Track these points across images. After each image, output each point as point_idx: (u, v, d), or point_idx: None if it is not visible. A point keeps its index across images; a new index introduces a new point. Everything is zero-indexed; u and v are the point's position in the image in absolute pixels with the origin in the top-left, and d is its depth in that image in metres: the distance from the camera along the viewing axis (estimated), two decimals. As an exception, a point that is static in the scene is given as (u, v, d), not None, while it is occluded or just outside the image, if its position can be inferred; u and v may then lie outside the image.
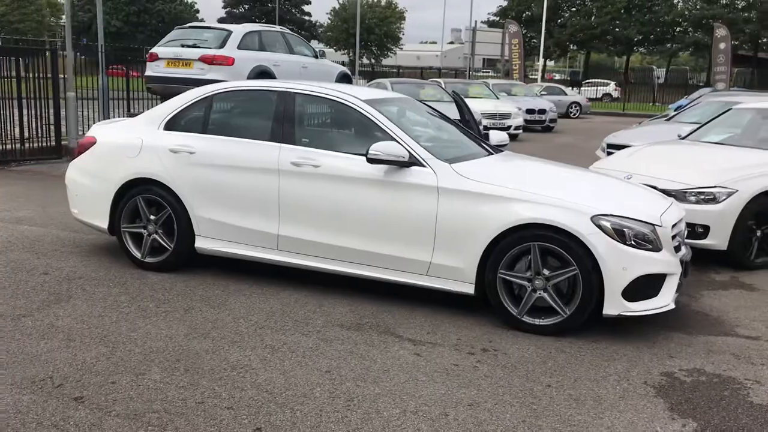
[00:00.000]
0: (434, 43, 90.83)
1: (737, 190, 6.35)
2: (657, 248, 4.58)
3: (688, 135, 8.29)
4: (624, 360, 4.30)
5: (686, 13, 53.92)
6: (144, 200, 5.63)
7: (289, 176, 5.16)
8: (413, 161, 4.89)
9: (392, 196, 4.91)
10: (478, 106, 15.58)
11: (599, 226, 4.47)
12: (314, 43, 37.74)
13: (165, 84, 11.78)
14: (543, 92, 24.48)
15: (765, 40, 53.66)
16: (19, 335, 4.27)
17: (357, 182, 5.01)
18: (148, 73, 11.97)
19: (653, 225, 4.61)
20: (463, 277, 4.79)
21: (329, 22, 69.59)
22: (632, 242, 4.50)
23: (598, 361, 4.26)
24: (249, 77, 11.65)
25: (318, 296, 5.20)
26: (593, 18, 56.58)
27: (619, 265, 4.45)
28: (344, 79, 14.66)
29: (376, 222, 4.95)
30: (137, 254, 5.70)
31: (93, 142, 5.88)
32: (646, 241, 4.54)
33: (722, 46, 25.86)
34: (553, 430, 3.41)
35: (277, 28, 13.53)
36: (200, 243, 5.50)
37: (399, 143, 4.92)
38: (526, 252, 4.62)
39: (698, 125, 8.74)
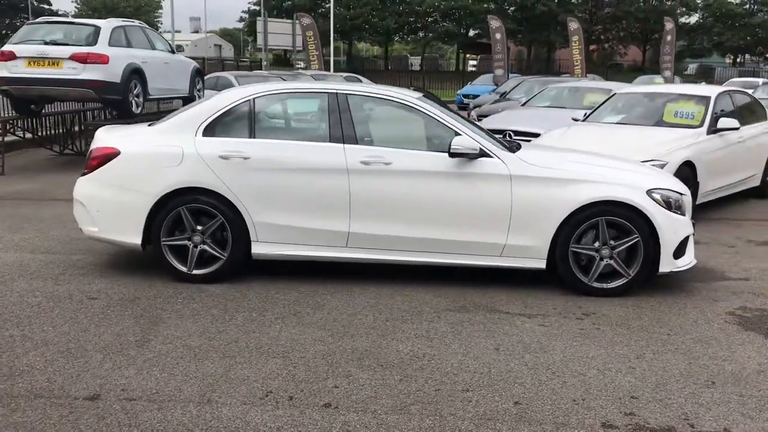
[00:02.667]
0: (179, 32, 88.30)
1: (667, 162, 7.59)
2: (684, 213, 5.52)
3: (586, 118, 9.52)
4: (690, 308, 5.18)
5: (436, 4, 58.08)
6: (189, 211, 5.42)
7: (360, 175, 5.33)
8: (483, 153, 5.34)
9: (467, 186, 5.33)
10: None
11: (653, 199, 5.30)
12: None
13: (27, 86, 10.69)
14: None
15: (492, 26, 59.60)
16: (186, 358, 4.07)
17: (430, 176, 5.34)
18: (2, 74, 10.72)
19: (681, 194, 5.55)
20: (536, 254, 5.37)
21: (76, 10, 64.52)
22: (675, 210, 5.39)
23: (674, 312, 5.09)
24: (123, 76, 10.99)
25: (394, 289, 5.44)
26: (351, 9, 58.74)
27: (672, 230, 5.32)
28: (198, 74, 14.25)
29: (451, 211, 5.34)
30: (182, 268, 5.48)
31: (115, 153, 5.49)
32: (680, 208, 5.47)
33: (498, 36, 28.69)
34: (694, 359, 4.15)
35: (137, 22, 12.77)
36: (258, 249, 5.45)
37: (470, 137, 5.34)
38: (592, 226, 5.31)
39: (589, 110, 10.01)
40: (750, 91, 12.17)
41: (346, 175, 5.33)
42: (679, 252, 5.42)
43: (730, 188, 8.86)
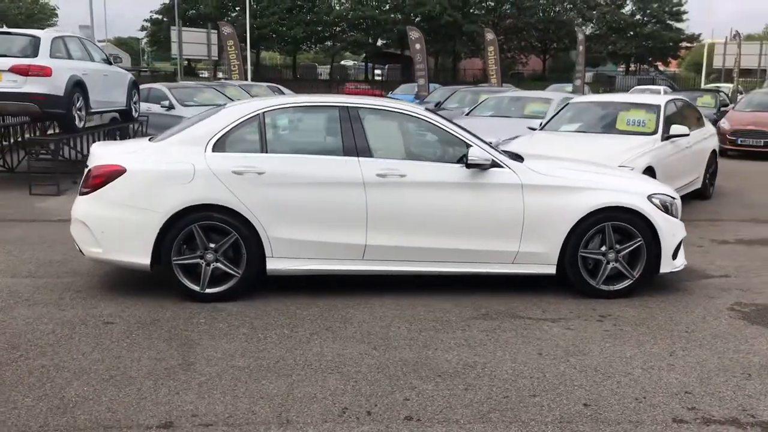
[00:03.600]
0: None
1: (633, 168, 7.99)
2: (677, 216, 5.86)
3: (544, 126, 9.87)
4: (693, 306, 5.49)
5: (344, 14, 58.44)
6: (201, 228, 5.30)
7: (376, 187, 5.37)
8: (494, 164, 5.49)
9: (480, 196, 5.46)
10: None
11: (653, 203, 5.60)
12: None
13: (-37, 100, 10.07)
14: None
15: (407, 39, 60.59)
16: (241, 380, 3.98)
17: (445, 187, 5.44)
18: (-66, 88, 10.04)
19: (674, 198, 5.88)
20: (546, 260, 5.56)
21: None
22: (672, 213, 5.72)
23: (680, 310, 5.39)
24: (66, 89, 10.54)
25: (411, 299, 5.50)
26: (257, 18, 58.20)
27: (671, 233, 5.64)
28: (135, 86, 13.80)
29: (466, 221, 5.46)
30: (194, 287, 5.34)
31: (121, 171, 5.30)
32: (675, 212, 5.80)
33: (418, 46, 29.14)
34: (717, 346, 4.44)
35: (75, 32, 12.24)
36: (273, 265, 5.39)
37: (482, 149, 5.48)
38: (599, 231, 5.56)
39: (548, 118, 10.37)
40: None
41: (362, 188, 5.35)
42: (675, 253, 5.74)
43: (681, 191, 9.38)
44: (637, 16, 61.81)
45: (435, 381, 4.02)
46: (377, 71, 67.41)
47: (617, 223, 5.55)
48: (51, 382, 3.95)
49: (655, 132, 8.96)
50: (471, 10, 58.51)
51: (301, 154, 5.50)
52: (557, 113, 10.14)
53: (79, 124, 11.11)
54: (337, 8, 59.16)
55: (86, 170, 5.55)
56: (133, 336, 4.67)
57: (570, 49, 64.09)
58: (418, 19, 58.57)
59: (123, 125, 13.39)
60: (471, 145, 5.49)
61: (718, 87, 31.41)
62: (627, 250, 5.59)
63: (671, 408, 3.73)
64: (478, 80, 53.52)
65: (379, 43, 62.16)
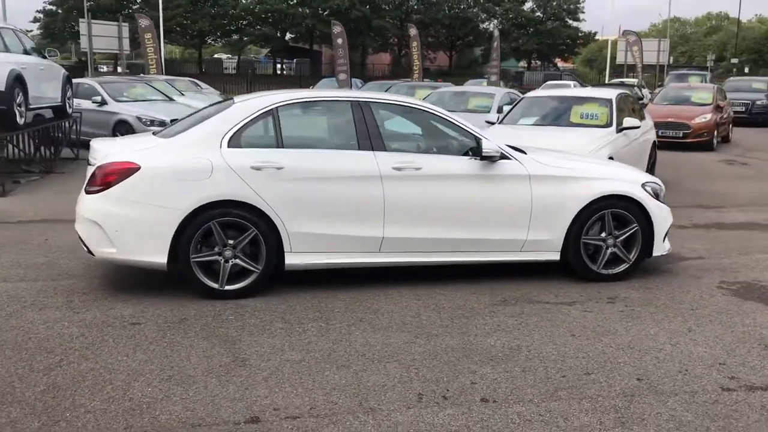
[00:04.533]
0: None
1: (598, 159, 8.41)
2: (665, 203, 6.26)
3: (502, 120, 10.20)
4: (686, 286, 5.89)
5: (251, 7, 57.51)
6: (219, 225, 5.25)
7: (393, 180, 5.47)
8: (503, 155, 5.70)
9: (491, 187, 5.66)
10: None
11: (647, 191, 5.97)
12: None
13: None
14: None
15: (317, 33, 60.33)
16: (303, 372, 4.01)
17: (458, 179, 5.61)
18: None
19: (661, 186, 6.28)
20: (551, 247, 5.83)
21: None
22: (662, 200, 6.11)
23: (675, 290, 5.77)
24: (7, 84, 10.04)
25: (426, 289, 5.63)
26: (162, 11, 56.46)
27: (662, 218, 6.02)
28: (69, 81, 13.24)
29: (478, 211, 5.65)
30: (213, 285, 5.29)
31: (135, 168, 5.17)
32: (663, 198, 6.19)
33: (339, 41, 29.11)
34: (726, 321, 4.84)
35: (8, 24, 11.61)
36: (292, 259, 5.40)
37: (493, 142, 5.68)
38: (598, 219, 5.87)
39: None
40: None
41: (379, 181, 5.44)
42: (665, 238, 6.13)
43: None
44: (538, 14, 63.91)
45: (490, 365, 4.18)
46: (278, 64, 66.68)
47: (616, 211, 5.88)
48: (110, 384, 3.85)
49: (610, 124, 9.42)
50: (380, 5, 58.77)
51: (317, 149, 5.53)
52: (513, 107, 10.49)
53: (20, 121, 10.59)
54: (244, 1, 58.12)
55: (92, 168, 5.37)
56: (168, 335, 4.59)
57: (475, 45, 65.72)
58: (326, 13, 58.43)
59: (57, 122, 12.83)
60: (480, 138, 5.68)
61: (622, 82, 33.01)
62: (624, 236, 5.92)
63: (714, 378, 4.04)
64: (378, 76, 54.09)
65: (287, 37, 61.56)
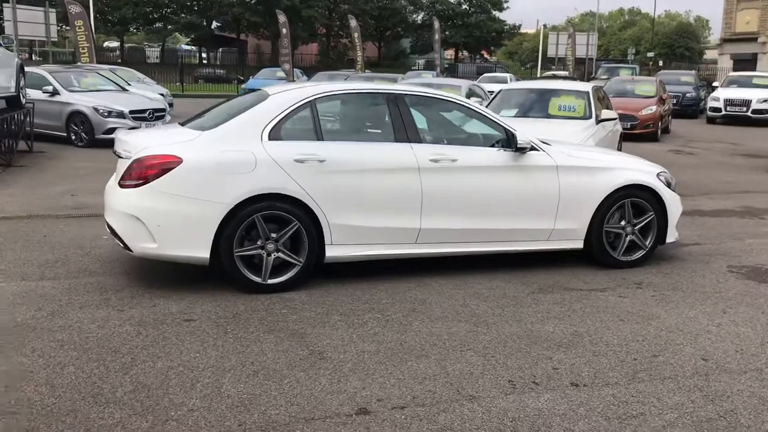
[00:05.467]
0: None
1: (586, 150, 8.70)
2: (676, 191, 6.56)
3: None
4: (700, 270, 6.20)
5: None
6: (263, 218, 5.20)
7: (430, 172, 5.54)
8: (532, 147, 5.86)
9: (523, 178, 5.81)
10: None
11: (661, 180, 6.25)
12: None
13: None
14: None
15: (245, 22, 59.43)
16: (386, 364, 4.04)
17: (491, 170, 5.74)
18: None
19: (671, 176, 6.58)
20: (576, 236, 6.04)
21: None
22: (673, 189, 6.40)
23: (693, 274, 6.07)
24: (-29, 73, 9.54)
25: (460, 279, 5.74)
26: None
27: (675, 206, 6.32)
28: (21, 70, 12.65)
29: (511, 202, 5.79)
30: (256, 279, 5.24)
31: (177, 161, 5.06)
32: (674, 187, 6.49)
33: (284, 30, 28.76)
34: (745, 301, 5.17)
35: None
36: (332, 252, 5.41)
37: (522, 133, 5.83)
38: (619, 207, 6.11)
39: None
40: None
41: (417, 173, 5.50)
42: (676, 225, 6.44)
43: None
44: (464, 6, 64.81)
45: (561, 351, 4.32)
46: (204, 54, 65.29)
47: (635, 200, 6.12)
48: (198, 381, 3.79)
49: (589, 116, 9.75)
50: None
51: (357, 141, 5.54)
52: (493, 98, 10.69)
53: (-19, 112, 10.07)
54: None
55: (126, 161, 5.22)
56: (230, 331, 4.54)
57: (403, 36, 66.13)
58: (254, 1, 57.61)
59: (12, 113, 12.25)
60: (512, 130, 5.81)
61: (555, 74, 33.95)
62: (642, 224, 6.19)
63: (770, 356, 4.31)
64: (315, 65, 53.69)
65: (214, 25, 60.34)
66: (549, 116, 9.95)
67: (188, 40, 67.21)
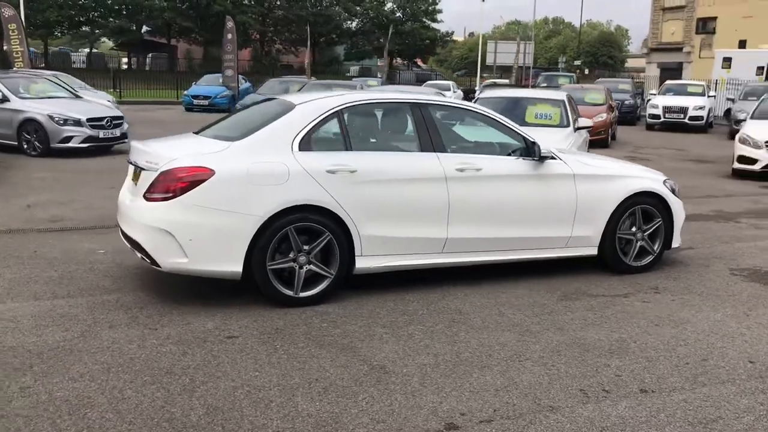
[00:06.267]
0: None
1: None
2: (680, 198, 6.76)
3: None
4: (704, 274, 6.40)
5: (105, -1, 54.45)
6: (297, 230, 5.10)
7: (456, 182, 5.55)
8: (551, 156, 5.95)
9: (543, 186, 5.88)
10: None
11: (667, 187, 6.44)
12: None
13: None
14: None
15: (175, 27, 58.24)
16: (454, 376, 4.01)
17: (514, 179, 5.79)
18: None
19: (675, 182, 6.78)
20: (591, 243, 6.15)
21: None
22: (677, 195, 6.60)
23: (700, 278, 6.26)
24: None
25: (484, 288, 5.75)
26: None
27: (679, 212, 6.52)
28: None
29: (532, 210, 5.85)
30: (288, 292, 5.13)
31: (209, 173, 4.90)
32: (679, 194, 6.69)
33: (230, 36, 28.25)
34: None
35: None
36: (362, 263, 5.34)
37: (542, 143, 5.91)
38: (630, 214, 6.26)
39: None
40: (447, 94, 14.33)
41: (444, 182, 5.50)
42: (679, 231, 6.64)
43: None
44: (398, 14, 65.28)
45: (616, 357, 4.39)
46: (124, 59, 63.52)
47: (644, 206, 6.28)
48: (271, 401, 3.68)
49: (567, 124, 9.96)
50: (241, 1, 57.57)
51: (384, 151, 5.50)
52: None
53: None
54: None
55: (150, 172, 5.02)
56: (281, 347, 4.42)
57: (337, 43, 66.07)
58: (185, 6, 56.51)
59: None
60: (533, 140, 5.87)
61: (495, 82, 34.57)
62: (650, 230, 6.35)
63: (810, 356, 4.48)
64: (247, 71, 52.93)
65: (144, 30, 58.87)
66: (526, 124, 10.03)
67: (113, 45, 65.29)
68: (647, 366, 4.26)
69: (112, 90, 33.53)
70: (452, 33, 69.43)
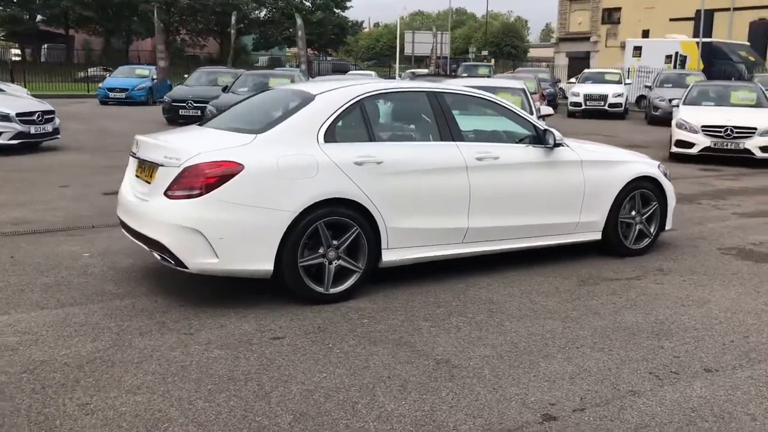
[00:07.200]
0: None
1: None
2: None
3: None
4: (701, 254, 6.64)
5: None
6: (325, 224, 4.94)
7: (476, 171, 5.52)
8: (560, 143, 6.01)
9: (555, 173, 5.94)
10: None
11: (660, 172, 6.63)
12: None
13: None
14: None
15: (74, 17, 55.62)
16: (514, 367, 3.98)
17: (529, 167, 5.82)
18: None
19: (665, 167, 7.00)
20: (596, 228, 6.26)
21: None
22: (669, 179, 6.82)
23: (701, 259, 6.49)
24: None
25: (503, 276, 5.76)
26: None
27: (672, 196, 6.73)
28: None
29: (546, 197, 5.90)
30: (319, 289, 4.96)
31: (239, 168, 4.66)
32: (669, 177, 6.90)
33: (161, 25, 27.07)
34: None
35: None
36: (389, 256, 5.23)
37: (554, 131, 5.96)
38: (630, 199, 6.42)
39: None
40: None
41: (465, 171, 5.46)
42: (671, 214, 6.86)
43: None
44: (307, 3, 64.63)
45: (665, 339, 4.47)
46: (15, 51, 60.09)
47: (643, 191, 6.45)
48: (357, 402, 3.54)
49: (531, 113, 10.08)
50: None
51: (406, 141, 5.40)
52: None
53: None
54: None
55: (171, 168, 4.73)
56: (336, 346, 4.26)
57: (246, 33, 64.71)
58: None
59: None
60: (541, 127, 5.91)
61: (413, 72, 34.78)
62: (648, 213, 6.52)
63: (835, 329, 4.71)
64: (150, 63, 51.06)
65: (38, 19, 55.82)
66: (491, 114, 10.15)
67: (1, 35, 61.52)
68: (698, 346, 4.36)
69: (11, 83, 31.64)
70: (362, 22, 69.35)
